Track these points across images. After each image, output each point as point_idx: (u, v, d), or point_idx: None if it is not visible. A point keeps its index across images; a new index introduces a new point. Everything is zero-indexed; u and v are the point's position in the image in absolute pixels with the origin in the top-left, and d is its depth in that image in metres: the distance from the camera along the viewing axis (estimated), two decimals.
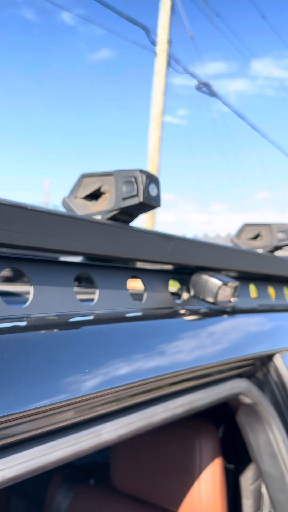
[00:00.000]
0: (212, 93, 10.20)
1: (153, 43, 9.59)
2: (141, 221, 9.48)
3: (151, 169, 9.56)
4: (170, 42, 9.64)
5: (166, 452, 1.16)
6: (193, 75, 10.07)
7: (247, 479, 1.32)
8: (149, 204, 0.72)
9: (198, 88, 10.07)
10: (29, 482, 1.53)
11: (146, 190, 0.71)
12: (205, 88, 10.04)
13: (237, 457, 1.30)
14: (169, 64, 9.68)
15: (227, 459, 1.31)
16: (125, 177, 0.72)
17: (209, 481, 1.10)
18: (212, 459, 1.10)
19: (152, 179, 0.72)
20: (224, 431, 1.33)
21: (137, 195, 0.71)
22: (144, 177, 0.71)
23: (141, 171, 0.71)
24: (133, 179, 0.71)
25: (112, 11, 8.76)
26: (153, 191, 0.72)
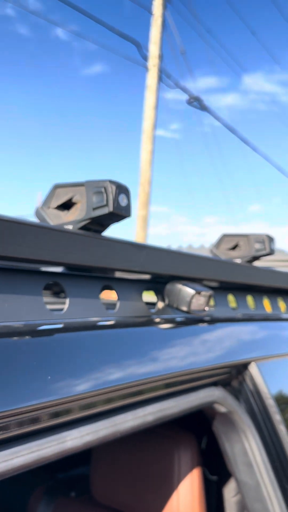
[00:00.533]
0: (203, 107, 10.32)
1: (145, 58, 9.74)
2: (133, 233, 9.51)
3: (143, 182, 9.62)
4: (161, 57, 9.79)
5: (146, 463, 1.15)
6: (184, 90, 10.21)
7: (230, 491, 1.31)
8: (119, 214, 0.73)
9: (189, 103, 10.19)
10: (10, 495, 1.51)
11: (115, 200, 0.72)
12: (196, 102, 10.17)
13: (220, 468, 1.29)
14: (160, 79, 9.81)
15: (210, 470, 1.31)
16: (96, 187, 0.73)
17: (187, 492, 1.09)
18: (191, 470, 1.10)
19: (121, 189, 0.74)
20: (207, 442, 1.33)
21: (106, 205, 0.72)
22: (114, 187, 0.72)
23: (111, 182, 0.73)
24: (103, 190, 0.72)
25: (104, 27, 8.89)
26: (122, 201, 0.74)
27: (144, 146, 9.65)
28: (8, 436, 0.52)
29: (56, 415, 0.57)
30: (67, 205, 0.78)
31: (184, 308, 0.88)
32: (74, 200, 0.77)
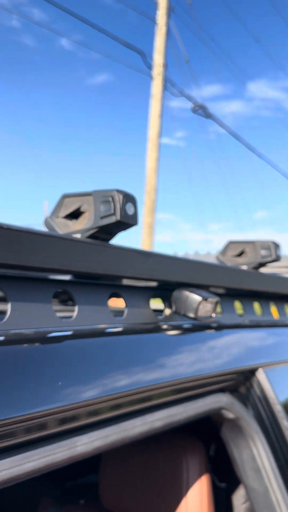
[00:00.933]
0: (207, 115, 10.37)
1: (149, 67, 9.81)
2: (139, 240, 9.53)
3: (149, 189, 9.66)
4: (165, 65, 9.86)
5: (154, 471, 1.16)
6: (189, 98, 10.27)
7: (239, 498, 1.31)
8: (126, 222, 0.75)
9: (194, 111, 10.25)
10: (19, 504, 1.52)
11: (123, 209, 0.74)
12: (201, 110, 10.22)
13: (229, 475, 1.29)
14: (165, 87, 9.88)
15: (219, 477, 1.31)
16: (103, 196, 0.75)
17: (196, 500, 1.10)
18: (199, 477, 1.10)
19: (128, 198, 0.75)
20: (215, 449, 1.33)
21: (114, 213, 0.73)
22: (121, 196, 0.74)
23: (118, 191, 0.74)
24: (110, 199, 0.74)
25: (108, 37, 9.00)
26: (129, 209, 0.75)
27: (149, 154, 9.69)
28: (19, 441, 0.53)
29: (66, 420, 0.58)
30: (75, 214, 0.80)
31: (191, 315, 0.89)
32: (82, 209, 0.78)
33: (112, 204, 0.74)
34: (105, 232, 0.77)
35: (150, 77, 9.82)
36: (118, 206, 0.73)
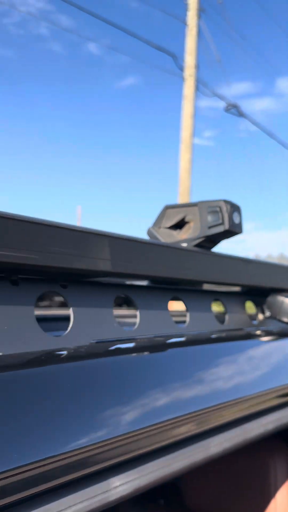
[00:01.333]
0: (240, 113, 10.30)
1: (181, 68, 9.82)
2: None
3: (182, 191, 9.65)
4: (197, 66, 9.85)
5: (240, 472, 1.17)
6: (221, 98, 10.23)
7: None
8: (234, 231, 0.77)
9: (226, 110, 10.20)
10: None
11: (230, 218, 0.76)
12: (233, 109, 10.16)
13: None
14: (197, 88, 9.87)
15: None
16: (210, 207, 0.77)
17: (285, 503, 1.10)
18: (287, 480, 1.11)
19: (235, 208, 0.78)
20: None
21: (222, 223, 0.76)
22: (229, 206, 0.76)
23: (225, 201, 0.77)
24: (218, 209, 0.76)
25: (140, 40, 9.07)
26: (236, 219, 0.77)
27: (182, 156, 9.69)
28: (167, 443, 0.56)
29: (201, 423, 0.61)
30: (179, 225, 0.83)
31: (287, 320, 0.91)
32: (186, 219, 0.81)
33: (220, 214, 0.76)
34: (210, 241, 0.80)
35: (182, 79, 9.83)
36: (226, 216, 0.76)
